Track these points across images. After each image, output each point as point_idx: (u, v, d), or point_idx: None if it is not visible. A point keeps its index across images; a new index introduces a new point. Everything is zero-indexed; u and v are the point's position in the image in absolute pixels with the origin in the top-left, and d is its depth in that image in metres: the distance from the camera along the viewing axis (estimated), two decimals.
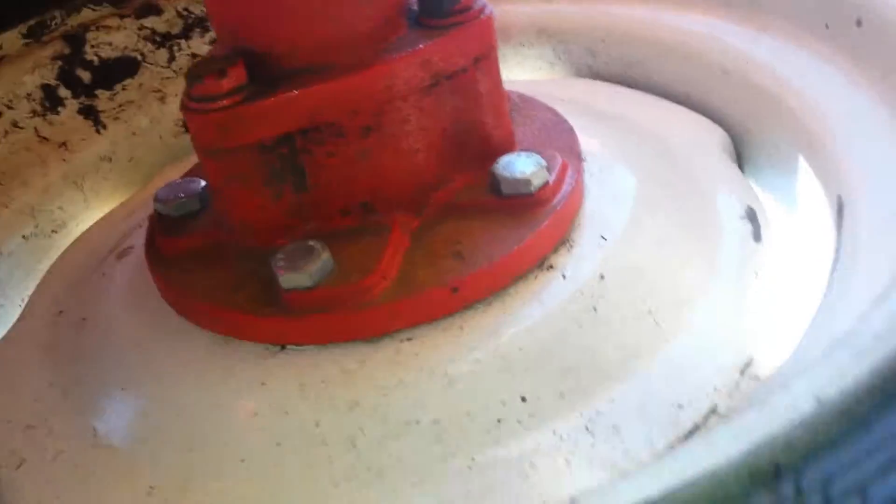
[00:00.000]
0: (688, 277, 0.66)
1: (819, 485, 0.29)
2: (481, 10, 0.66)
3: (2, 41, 0.97)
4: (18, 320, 0.78)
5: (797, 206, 0.80)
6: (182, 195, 0.72)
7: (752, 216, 0.74)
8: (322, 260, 0.61)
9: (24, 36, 0.98)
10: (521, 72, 1.14)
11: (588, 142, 0.80)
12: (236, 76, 0.60)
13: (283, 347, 0.62)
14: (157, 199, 0.73)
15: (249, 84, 0.61)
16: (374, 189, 0.66)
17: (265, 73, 0.62)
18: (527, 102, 0.83)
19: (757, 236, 0.71)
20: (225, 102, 0.60)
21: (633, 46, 1.02)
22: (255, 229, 0.65)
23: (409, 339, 0.61)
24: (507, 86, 1.00)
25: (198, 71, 0.60)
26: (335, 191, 0.65)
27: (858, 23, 0.75)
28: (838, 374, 0.35)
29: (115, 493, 0.58)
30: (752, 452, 0.31)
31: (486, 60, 0.68)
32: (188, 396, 0.61)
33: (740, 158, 0.90)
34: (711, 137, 0.87)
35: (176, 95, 1.08)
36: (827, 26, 0.80)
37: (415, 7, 0.68)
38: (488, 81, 0.68)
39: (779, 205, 0.84)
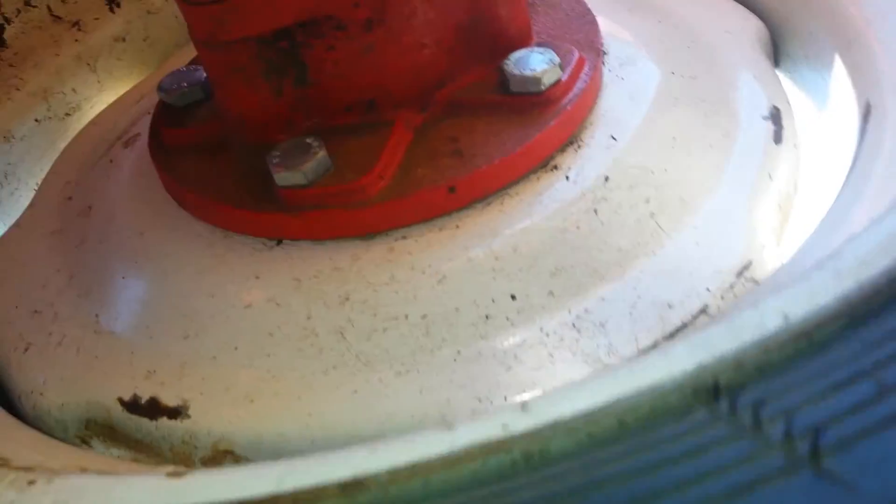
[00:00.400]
0: (697, 179, 0.63)
1: (752, 405, 0.28)
2: None
3: None
4: (29, 206, 0.79)
5: (828, 105, 0.75)
6: (185, 84, 0.71)
7: (775, 116, 0.70)
8: (318, 158, 0.60)
9: None
10: None
11: (613, 31, 0.76)
12: None
13: (279, 242, 0.62)
14: (160, 88, 0.72)
15: None
16: (378, 85, 0.63)
17: None
18: None
19: (777, 138, 0.68)
20: None
21: None
22: (254, 124, 0.64)
23: (403, 238, 0.60)
24: None
25: None
26: (337, 86, 0.63)
27: None
28: (809, 296, 0.33)
29: (116, 376, 0.60)
30: (700, 368, 0.30)
31: None
32: (185, 287, 0.62)
33: (777, 50, 0.85)
34: (746, 28, 0.81)
35: None
36: None
37: None
38: None
39: (811, 103, 0.79)
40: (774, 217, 0.62)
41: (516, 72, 0.63)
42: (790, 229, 0.63)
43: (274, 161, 0.60)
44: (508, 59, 0.64)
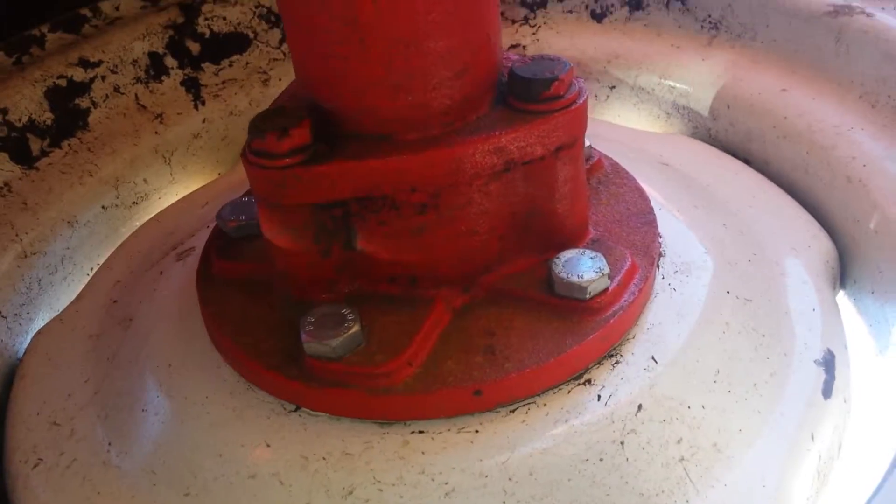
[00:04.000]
0: (735, 426, 0.61)
1: None
2: (574, 99, 0.61)
3: (120, 2, 0.99)
4: (76, 300, 0.81)
5: (888, 351, 0.72)
6: (244, 218, 0.72)
7: (828, 363, 0.66)
8: (350, 333, 0.59)
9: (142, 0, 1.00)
10: (635, 117, 1.07)
11: (674, 229, 0.75)
12: (298, 136, 0.58)
13: (297, 408, 0.61)
14: (219, 216, 0.73)
15: (311, 145, 0.59)
16: (424, 264, 0.63)
17: (331, 133, 0.60)
18: (618, 176, 0.77)
19: (827, 391, 0.64)
20: (283, 162, 0.58)
21: (757, 120, 0.93)
22: (298, 280, 0.64)
23: (420, 432, 0.59)
24: (612, 134, 0.96)
25: (261, 125, 0.59)
26: (384, 258, 0.63)
27: None
28: None
29: None
30: None
31: (570, 149, 0.63)
32: (198, 438, 0.61)
33: (844, 273, 0.82)
34: (814, 248, 0.79)
35: (280, 80, 1.08)
36: None
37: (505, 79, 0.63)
38: (568, 170, 0.64)
39: (871, 342, 0.76)
40: (810, 486, 0.59)
41: (563, 275, 0.62)
42: (827, 496, 0.59)
43: (307, 328, 0.60)
44: (558, 259, 0.63)
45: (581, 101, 0.61)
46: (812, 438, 0.61)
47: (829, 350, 0.67)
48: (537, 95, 0.61)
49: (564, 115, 0.61)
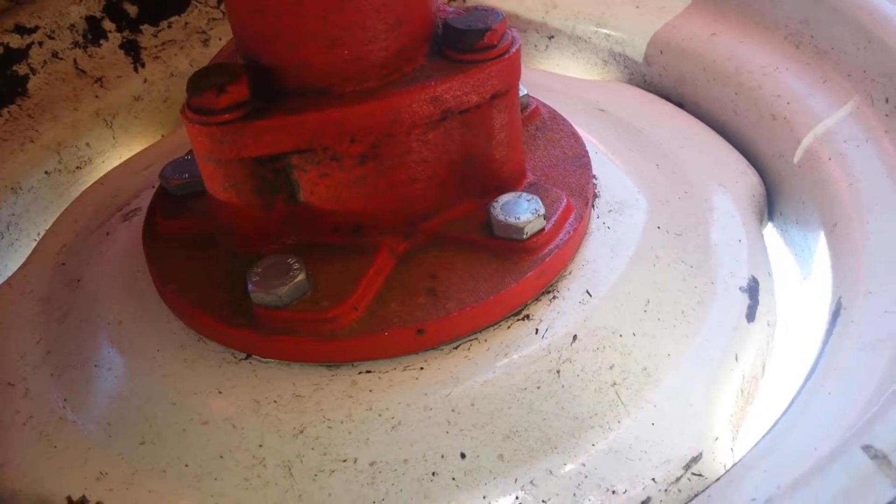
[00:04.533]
0: (663, 350, 0.64)
1: None
2: (507, 48, 0.63)
3: None
4: (24, 265, 0.81)
5: (810, 277, 0.76)
6: (187, 175, 0.73)
7: (752, 290, 0.70)
8: (296, 281, 0.61)
9: None
10: (573, 65, 1.09)
11: (609, 171, 0.78)
12: (236, 92, 0.59)
13: (247, 356, 0.63)
14: (162, 175, 0.74)
15: (249, 100, 0.60)
16: (367, 213, 0.65)
17: (269, 88, 0.61)
18: (555, 123, 0.80)
19: (751, 315, 0.68)
20: (222, 118, 0.59)
21: (689, 64, 0.96)
22: (243, 234, 0.65)
23: (367, 372, 0.61)
24: (551, 82, 0.99)
25: (199, 82, 0.60)
26: (327, 208, 0.65)
27: None
28: None
29: (70, 472, 0.61)
30: None
31: (504, 97, 0.65)
32: (151, 389, 0.63)
33: (771, 206, 0.86)
34: (742, 183, 0.82)
35: (220, 39, 1.08)
36: (887, 100, 0.74)
37: (440, 30, 0.65)
38: (503, 117, 0.66)
39: (797, 269, 0.80)
40: (734, 403, 0.63)
41: (501, 217, 0.65)
42: (750, 415, 0.63)
43: (253, 278, 0.62)
44: (496, 202, 0.66)
45: (514, 50, 0.63)
46: (736, 359, 0.65)
47: (753, 277, 0.71)
48: (471, 45, 0.62)
49: (498, 63, 0.63)
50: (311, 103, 0.60)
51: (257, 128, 0.60)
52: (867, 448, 0.39)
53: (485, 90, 0.63)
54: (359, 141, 0.61)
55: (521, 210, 0.65)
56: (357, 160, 0.63)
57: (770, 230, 0.85)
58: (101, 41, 1.00)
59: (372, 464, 0.58)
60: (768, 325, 0.69)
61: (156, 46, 1.04)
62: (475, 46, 0.63)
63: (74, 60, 0.98)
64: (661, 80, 1.00)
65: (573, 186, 0.71)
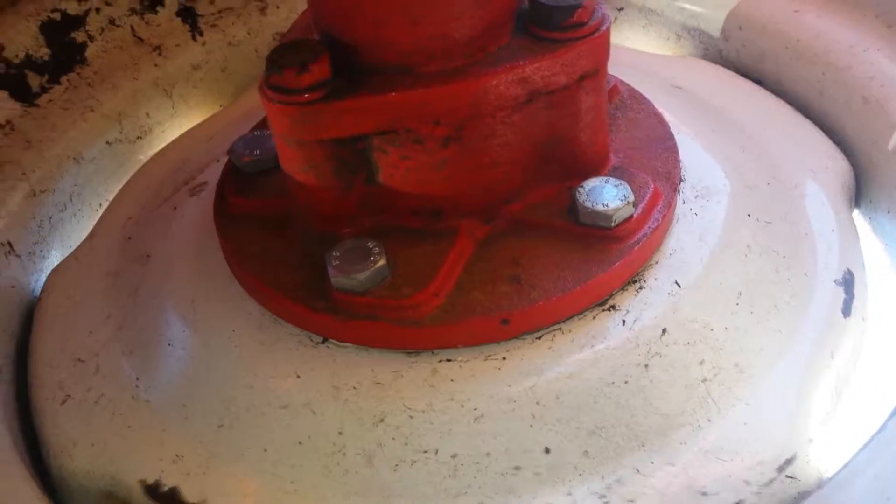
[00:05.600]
0: (756, 346, 0.61)
1: None
2: (597, 26, 0.60)
3: None
4: (89, 237, 0.80)
5: None
6: (258, 152, 0.71)
7: (847, 283, 0.67)
8: (376, 267, 0.59)
9: None
10: (644, 40, 1.05)
11: (693, 154, 0.74)
12: (318, 71, 0.57)
13: (325, 340, 0.61)
14: (232, 151, 0.72)
15: (331, 80, 0.57)
16: (447, 197, 0.62)
17: (350, 67, 0.58)
18: (636, 102, 0.76)
19: (846, 310, 0.65)
20: (303, 98, 0.57)
21: (770, 40, 0.92)
22: (320, 215, 0.63)
23: (448, 360, 0.59)
24: (623, 57, 0.95)
25: (278, 59, 0.57)
26: (406, 192, 0.62)
27: None
28: None
29: (144, 453, 0.60)
30: None
31: (592, 78, 0.62)
32: (227, 371, 0.62)
33: (859, 193, 0.82)
34: (832, 171, 0.78)
35: (277, 7, 1.05)
36: None
37: (526, 6, 0.62)
38: (591, 99, 0.63)
39: (886, 258, 0.76)
40: (828, 402, 0.60)
41: (588, 204, 0.62)
42: (843, 415, 0.61)
43: (333, 262, 0.60)
44: (582, 187, 0.63)
45: (604, 28, 0.60)
46: (831, 356, 0.62)
47: (848, 270, 0.67)
48: (560, 23, 0.59)
49: (588, 42, 0.59)
50: (394, 83, 0.57)
51: (339, 108, 0.57)
52: None
53: (573, 71, 0.60)
54: (442, 123, 0.59)
55: (609, 197, 0.62)
56: (440, 143, 0.60)
57: (857, 218, 0.81)
58: (158, 8, 0.98)
59: (454, 456, 0.56)
60: (863, 319, 0.66)
61: (213, 14, 1.02)
62: (564, 24, 0.59)
63: (132, 28, 0.96)
64: (739, 56, 0.96)
65: (659, 170, 0.68)
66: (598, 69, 0.62)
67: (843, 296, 0.66)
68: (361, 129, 0.59)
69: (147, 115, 0.95)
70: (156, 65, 0.96)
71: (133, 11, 0.96)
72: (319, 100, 0.57)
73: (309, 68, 0.56)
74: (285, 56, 0.58)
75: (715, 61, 0.98)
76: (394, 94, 0.57)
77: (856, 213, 0.81)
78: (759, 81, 0.93)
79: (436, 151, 0.60)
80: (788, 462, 0.56)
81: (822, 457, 0.57)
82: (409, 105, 0.58)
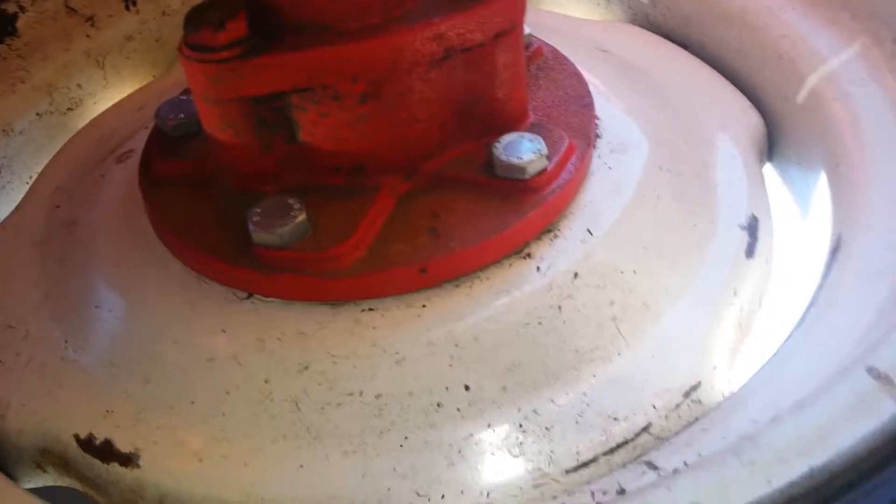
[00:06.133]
0: (663, 286, 0.65)
1: None
2: None
3: None
4: (17, 208, 0.80)
5: (809, 215, 0.77)
6: (182, 115, 0.72)
7: (752, 227, 0.71)
8: (297, 221, 0.61)
9: None
10: (575, 5, 1.07)
11: (611, 112, 0.77)
12: (234, 29, 0.58)
13: (249, 295, 0.63)
14: (157, 115, 0.73)
15: (248, 38, 0.59)
16: (367, 153, 0.64)
17: (267, 24, 0.60)
18: (557, 62, 0.79)
19: (750, 252, 0.69)
20: (221, 55, 0.58)
21: (694, 4, 0.95)
22: (241, 174, 0.65)
23: (370, 310, 0.61)
24: (553, 23, 0.97)
25: (196, 18, 0.58)
26: (327, 149, 0.64)
27: None
28: (721, 489, 0.35)
29: (75, 410, 0.62)
30: None
31: (508, 35, 0.64)
32: (153, 329, 0.63)
33: (771, 145, 0.85)
34: (743, 123, 0.82)
35: None
36: (894, 40, 0.73)
37: None
38: (507, 56, 0.65)
39: (795, 208, 0.80)
40: (732, 335, 0.64)
41: (503, 157, 0.64)
42: (748, 347, 0.64)
43: (254, 218, 0.61)
44: (499, 142, 0.65)
45: None
46: (735, 294, 0.65)
47: (752, 215, 0.71)
48: None
49: (503, 0, 0.61)
50: (311, 40, 0.59)
51: (256, 65, 0.59)
52: (870, 370, 0.39)
53: (489, 28, 0.62)
54: (360, 79, 0.60)
55: (524, 150, 0.65)
56: (358, 99, 0.62)
57: (769, 170, 0.85)
58: None
59: (378, 396, 0.58)
60: (766, 261, 0.70)
61: None
62: None
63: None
64: (665, 20, 0.99)
65: (575, 126, 0.70)
66: (513, 26, 0.64)
67: (747, 239, 0.69)
68: (279, 87, 0.60)
69: (79, 86, 0.94)
70: (88, 35, 0.96)
71: None
72: (236, 57, 0.58)
73: (225, 26, 0.58)
74: (202, 15, 0.59)
75: (642, 26, 1.01)
76: (311, 50, 0.59)
77: (769, 167, 0.85)
78: (684, 45, 0.96)
79: (354, 108, 0.62)
80: (693, 388, 0.60)
81: (726, 383, 0.61)
82: (327, 62, 0.59)
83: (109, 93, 0.98)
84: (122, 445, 0.59)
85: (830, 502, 0.34)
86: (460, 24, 0.61)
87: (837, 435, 0.37)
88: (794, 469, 0.35)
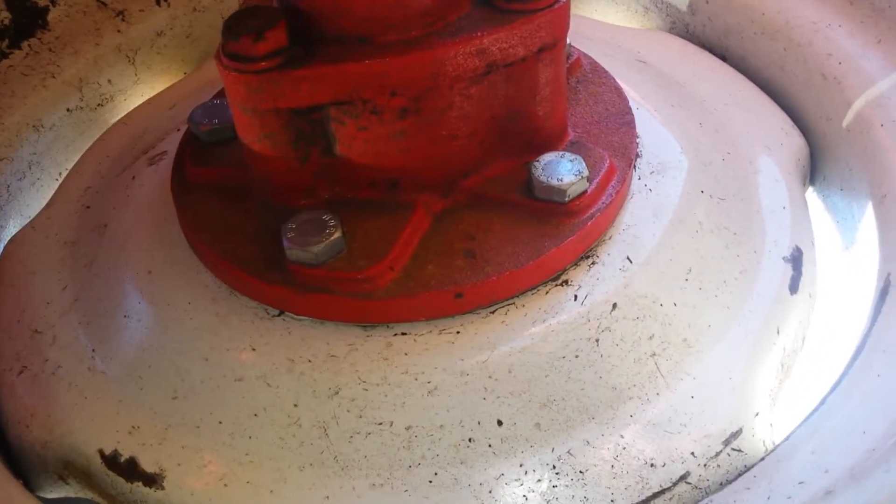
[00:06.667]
0: (704, 322, 0.63)
1: None
2: None
3: None
4: (47, 206, 0.79)
5: (854, 247, 0.74)
6: (217, 121, 0.70)
7: (796, 260, 0.69)
8: (331, 239, 0.59)
9: None
10: (612, 12, 1.05)
11: (651, 129, 0.75)
12: (274, 39, 0.56)
13: (281, 313, 0.62)
14: (191, 120, 0.71)
15: (288, 48, 0.57)
16: (405, 169, 0.63)
17: (307, 35, 0.58)
18: (596, 75, 0.77)
19: (794, 287, 0.67)
20: (260, 66, 0.56)
21: (736, 15, 0.92)
22: (277, 186, 0.63)
23: (403, 334, 0.60)
24: (589, 30, 0.95)
25: (235, 27, 0.57)
26: (364, 163, 0.62)
27: None
28: None
29: (101, 424, 0.61)
30: None
31: (551, 50, 0.62)
32: (183, 343, 0.62)
33: (814, 170, 0.83)
34: (787, 147, 0.79)
35: None
36: None
37: None
38: (549, 72, 0.63)
39: (837, 235, 0.78)
40: (774, 378, 0.62)
41: (543, 178, 0.63)
42: (789, 390, 0.62)
43: (288, 234, 0.60)
44: (538, 162, 0.63)
45: (564, 0, 0.60)
46: (777, 332, 0.63)
47: (797, 247, 0.69)
48: None
49: (547, 14, 0.59)
50: (351, 52, 0.57)
51: (295, 77, 0.57)
52: None
53: (532, 43, 0.60)
54: (400, 94, 0.59)
55: (564, 171, 0.63)
56: (397, 114, 0.60)
57: (811, 194, 0.82)
58: None
59: (408, 428, 0.57)
60: (810, 296, 0.67)
61: None
62: None
63: None
64: (706, 30, 0.96)
65: (616, 146, 0.69)
66: (556, 41, 0.62)
67: (790, 272, 0.67)
68: (317, 99, 0.59)
69: (109, 81, 0.93)
70: (119, 30, 0.94)
71: None
72: (275, 68, 0.57)
73: (265, 36, 0.56)
74: (242, 23, 0.58)
75: (682, 36, 0.98)
76: (350, 63, 0.57)
77: (810, 191, 0.83)
78: (723, 57, 0.93)
79: (393, 122, 0.60)
80: (734, 435, 0.58)
81: (768, 430, 0.59)
82: (366, 75, 0.57)
83: (140, 88, 0.96)
84: (147, 465, 0.58)
85: None
86: (503, 39, 0.59)
87: None
88: None
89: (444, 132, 0.62)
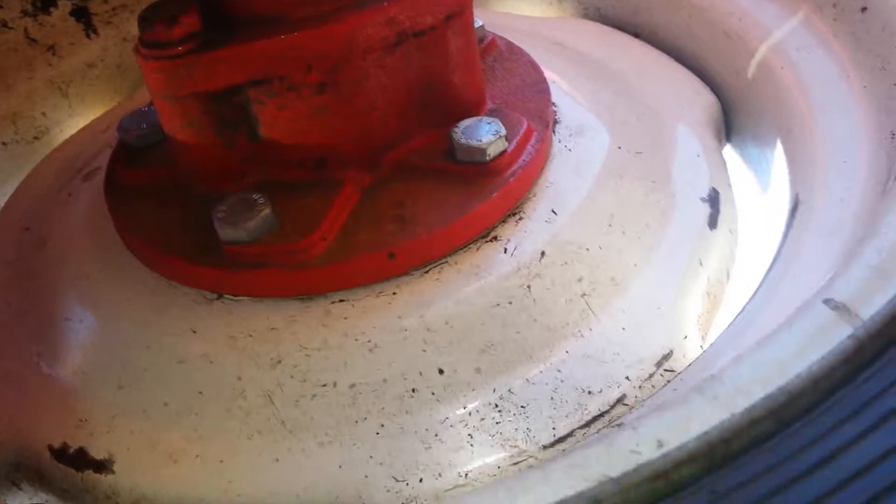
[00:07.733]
0: (630, 260, 0.65)
1: None
2: None
3: None
4: None
5: (769, 188, 0.78)
6: (145, 126, 0.72)
7: (713, 199, 0.72)
8: (262, 216, 0.61)
9: None
10: (527, 5, 1.09)
11: (568, 99, 0.78)
12: (188, 24, 0.59)
13: (219, 296, 0.63)
14: (120, 128, 0.73)
15: (202, 32, 0.59)
16: (329, 145, 0.65)
17: (220, 19, 0.60)
18: (512, 53, 0.80)
19: (713, 222, 0.70)
20: (175, 50, 0.58)
21: None
22: (205, 174, 0.65)
23: (340, 301, 0.62)
24: (507, 22, 0.99)
25: (149, 16, 0.59)
26: (288, 143, 0.64)
27: (863, 9, 0.71)
28: (685, 421, 0.35)
29: (49, 421, 0.61)
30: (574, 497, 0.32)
31: (458, 18, 0.65)
32: (124, 336, 0.63)
33: (728, 126, 0.87)
34: (698, 102, 0.83)
35: None
36: (834, 5, 0.75)
37: None
38: (460, 40, 0.66)
39: (755, 183, 0.81)
40: (701, 305, 0.64)
41: (463, 141, 0.65)
42: (718, 317, 0.65)
43: (219, 216, 0.62)
44: (457, 127, 0.66)
45: None
46: (700, 264, 0.66)
47: (713, 188, 0.72)
48: None
49: None
50: (264, 31, 0.60)
51: (211, 59, 0.59)
52: (827, 301, 0.40)
53: (439, 10, 0.63)
54: (315, 68, 0.61)
55: (483, 132, 0.65)
56: (315, 89, 0.62)
57: (729, 151, 0.86)
58: (51, 9, 0.98)
59: (352, 386, 0.58)
60: (730, 232, 0.70)
61: (107, 12, 1.03)
62: None
63: (25, 29, 0.96)
64: (616, 12, 1.01)
65: (533, 111, 0.72)
66: (463, 8, 0.65)
67: (709, 210, 0.70)
68: (235, 79, 0.61)
69: (44, 114, 0.95)
70: (50, 64, 0.96)
71: (25, 13, 0.96)
72: (191, 51, 0.59)
73: (178, 20, 0.58)
74: (156, 12, 0.60)
75: (595, 20, 1.03)
76: (264, 41, 0.59)
77: (728, 148, 0.87)
78: (636, 34, 0.98)
79: (311, 98, 0.62)
80: (665, 357, 0.60)
81: (699, 352, 0.61)
82: (280, 51, 0.60)
83: (75, 121, 0.98)
84: (96, 452, 0.59)
85: (792, 423, 0.34)
86: (410, 7, 0.62)
87: (796, 360, 0.37)
88: (754, 396, 0.35)
89: (363, 104, 0.64)
